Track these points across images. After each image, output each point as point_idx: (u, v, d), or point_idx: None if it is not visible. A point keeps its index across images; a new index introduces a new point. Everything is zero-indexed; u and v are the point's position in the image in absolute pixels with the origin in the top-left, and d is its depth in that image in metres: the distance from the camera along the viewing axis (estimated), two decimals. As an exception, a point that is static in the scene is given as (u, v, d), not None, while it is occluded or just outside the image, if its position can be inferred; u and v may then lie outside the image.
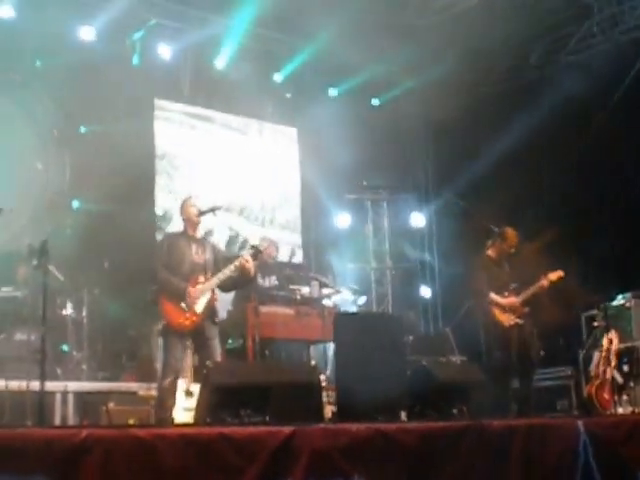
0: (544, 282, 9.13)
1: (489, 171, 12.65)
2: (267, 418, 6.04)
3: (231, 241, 13.11)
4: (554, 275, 9.15)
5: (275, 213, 14.04)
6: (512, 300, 9.09)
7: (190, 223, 8.16)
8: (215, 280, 7.91)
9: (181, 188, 12.87)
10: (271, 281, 10.39)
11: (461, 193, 13.40)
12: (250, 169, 13.94)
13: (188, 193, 12.18)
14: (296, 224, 14.24)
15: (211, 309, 7.94)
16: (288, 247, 13.75)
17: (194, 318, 7.78)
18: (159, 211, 12.64)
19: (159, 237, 11.47)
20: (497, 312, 9.04)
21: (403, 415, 7.12)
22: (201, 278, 7.89)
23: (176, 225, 8.99)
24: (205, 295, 7.86)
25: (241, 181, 13.74)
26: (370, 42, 12.87)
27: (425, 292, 15.04)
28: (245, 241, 12.88)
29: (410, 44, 12.93)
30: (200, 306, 7.80)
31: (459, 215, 13.37)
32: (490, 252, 9.34)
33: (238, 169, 13.77)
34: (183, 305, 7.76)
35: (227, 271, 7.92)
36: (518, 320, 9.03)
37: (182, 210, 8.29)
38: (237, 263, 7.89)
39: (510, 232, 9.32)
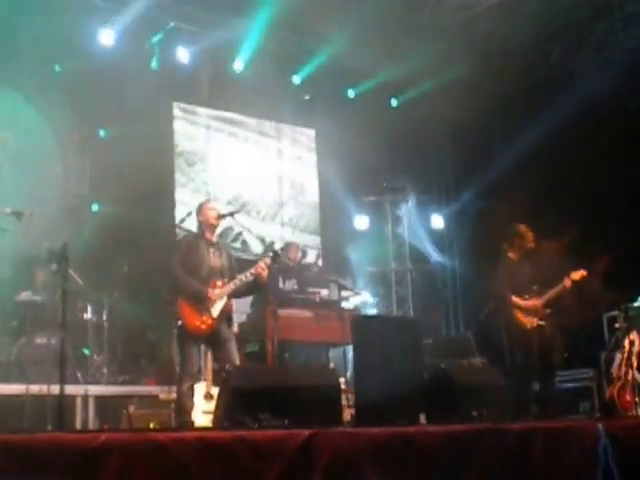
0: (567, 282, 9.03)
1: (509, 171, 12.58)
2: (286, 421, 6.03)
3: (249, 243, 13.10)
4: (577, 275, 9.05)
5: (293, 215, 14.03)
6: (534, 302, 9.01)
7: (208, 226, 8.12)
8: (232, 285, 7.88)
9: (199, 190, 12.90)
10: (292, 284, 10.37)
11: (481, 194, 13.34)
12: (268, 171, 13.95)
13: (206, 195, 12.28)
14: (315, 226, 14.23)
15: (227, 313, 7.92)
16: (308, 250, 13.73)
17: (210, 322, 7.75)
18: (178, 214, 12.64)
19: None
20: (518, 314, 8.96)
21: (422, 418, 7.08)
22: (219, 282, 7.87)
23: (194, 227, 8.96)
24: (222, 299, 7.84)
25: (259, 183, 13.75)
26: (388, 43, 12.86)
27: (445, 294, 14.98)
28: (271, 243, 12.88)
29: (428, 44, 12.88)
30: (216, 310, 7.78)
31: (479, 216, 13.31)
32: (511, 254, 9.26)
33: (256, 171, 13.78)
34: (200, 309, 7.75)
35: (243, 277, 7.90)
36: (540, 322, 8.95)
37: (200, 213, 8.24)
38: (253, 270, 7.87)
39: (523, 228, 9.24)
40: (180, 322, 7.86)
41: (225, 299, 7.83)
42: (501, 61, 13.29)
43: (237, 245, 12.60)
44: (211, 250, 8.01)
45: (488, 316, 10.50)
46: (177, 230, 12.43)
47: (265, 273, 7.86)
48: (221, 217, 8.19)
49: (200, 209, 8.29)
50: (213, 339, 7.88)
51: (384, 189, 14.17)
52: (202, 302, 7.75)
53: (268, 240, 13.12)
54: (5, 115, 11.70)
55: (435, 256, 14.74)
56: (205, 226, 8.13)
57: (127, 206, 11.33)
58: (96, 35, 11.70)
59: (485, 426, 6.02)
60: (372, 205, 14.23)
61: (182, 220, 12.57)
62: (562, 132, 12.12)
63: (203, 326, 7.73)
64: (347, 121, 13.10)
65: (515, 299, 8.98)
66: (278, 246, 11.92)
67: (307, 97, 14.04)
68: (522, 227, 9.28)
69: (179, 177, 12.94)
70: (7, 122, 11.70)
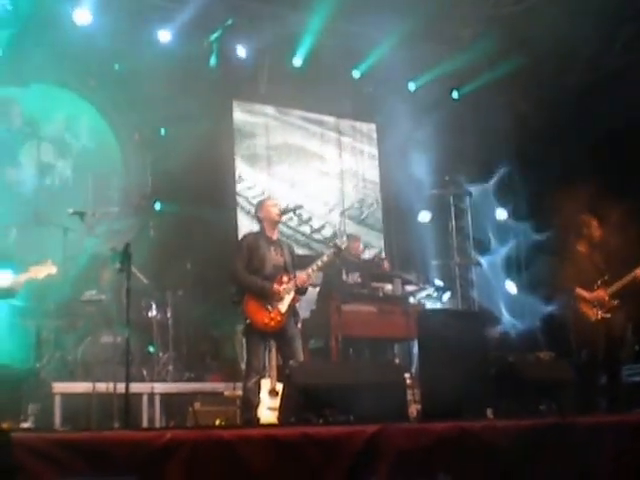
0: (637, 272, 8.81)
1: (574, 161, 12.36)
2: (351, 417, 5.98)
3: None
4: None
5: (356, 210, 13.97)
6: (599, 294, 8.80)
7: (269, 223, 8.11)
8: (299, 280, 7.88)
9: (261, 187, 12.92)
10: (354, 278, 10.31)
11: (546, 185, 13.11)
12: (330, 166, 13.91)
13: (267, 193, 12.29)
14: (377, 220, 14.16)
15: (293, 309, 7.90)
16: (371, 244, 13.66)
17: (278, 318, 7.75)
18: (239, 211, 12.67)
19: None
20: (584, 307, 8.79)
21: (489, 413, 6.98)
22: (285, 278, 7.86)
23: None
24: (289, 295, 7.83)
25: (321, 179, 13.72)
26: (449, 33, 12.71)
27: (511, 287, 14.78)
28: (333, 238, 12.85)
29: (491, 34, 12.69)
30: (284, 306, 7.78)
31: (544, 207, 13.09)
32: (579, 246, 9.09)
33: (317, 167, 13.76)
34: (268, 306, 7.74)
35: (310, 271, 7.90)
36: (606, 315, 8.76)
37: (261, 210, 8.23)
38: (319, 263, 7.86)
39: (591, 218, 9.07)
40: (248, 321, 7.86)
41: (292, 294, 7.82)
42: (565, 50, 13.01)
43: (306, 229, 12.54)
44: (272, 248, 8.01)
45: (555, 309, 10.35)
46: (238, 226, 12.43)
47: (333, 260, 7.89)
48: (283, 213, 8.17)
49: (261, 206, 8.28)
50: (280, 335, 7.88)
51: (447, 182, 14.02)
52: (269, 299, 7.75)
53: (330, 235, 13.09)
54: (66, 116, 11.85)
55: (499, 249, 14.55)
56: (266, 223, 8.13)
57: (189, 204, 11.39)
58: (155, 34, 11.77)
59: (553, 420, 5.92)
60: (435, 198, 14.09)
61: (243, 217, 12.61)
62: (628, 120, 11.87)
63: (272, 323, 7.74)
64: (408, 114, 12.99)
65: (580, 291, 8.81)
66: (340, 241, 11.86)
67: (368, 91, 13.95)
68: (589, 218, 9.11)
69: (240, 174, 12.95)
70: (68, 123, 11.85)
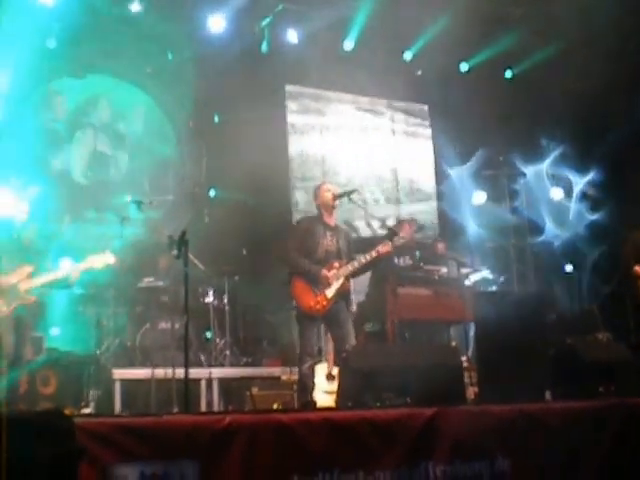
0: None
1: (631, 141, 12.17)
2: (408, 400, 5.99)
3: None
4: None
5: (409, 192, 13.93)
6: (657, 273, 8.70)
7: (326, 208, 8.14)
8: (349, 267, 7.89)
9: (315, 172, 12.93)
10: (405, 261, 10.28)
11: (601, 164, 12.95)
12: (383, 149, 13.88)
13: (322, 177, 12.30)
14: (431, 202, 14.11)
15: (342, 295, 7.91)
16: (425, 226, 13.60)
17: (324, 302, 7.77)
18: (294, 197, 12.71)
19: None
20: (640, 285, 8.68)
21: (547, 395, 6.94)
22: (336, 264, 7.88)
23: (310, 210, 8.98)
24: (338, 281, 7.83)
25: (374, 162, 13.70)
26: (501, 12, 12.56)
27: (568, 268, 14.62)
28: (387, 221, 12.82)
29: (544, 11, 12.51)
30: (331, 291, 7.79)
31: (601, 186, 12.94)
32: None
33: (371, 149, 13.74)
34: (315, 289, 7.77)
35: (363, 259, 7.90)
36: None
37: (317, 195, 8.27)
38: (374, 253, 7.85)
39: None
40: (294, 302, 7.92)
41: (342, 280, 7.83)
42: (622, 27, 12.78)
43: (361, 213, 12.57)
44: (328, 233, 8.03)
45: (614, 289, 10.23)
46: (293, 212, 12.47)
47: (388, 252, 7.87)
48: (337, 198, 8.18)
49: (317, 192, 8.32)
50: (330, 319, 7.90)
51: (501, 163, 13.90)
52: (316, 283, 7.78)
53: (384, 218, 13.06)
54: (121, 106, 11.97)
55: (555, 230, 14.41)
56: (323, 208, 8.16)
57: (244, 190, 11.45)
58: (206, 22, 11.83)
59: (613, 402, 5.88)
60: (489, 179, 13.98)
61: (296, 203, 12.66)
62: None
63: (318, 306, 7.76)
64: (461, 95, 12.90)
65: (638, 269, 8.69)
66: (394, 223, 11.84)
67: (419, 73, 13.88)
68: None
69: (293, 158, 12.98)
70: (123, 112, 11.98)
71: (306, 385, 7.77)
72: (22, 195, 7.91)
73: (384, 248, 7.87)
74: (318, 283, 7.79)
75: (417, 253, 10.42)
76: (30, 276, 7.54)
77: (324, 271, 7.79)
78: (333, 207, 8.16)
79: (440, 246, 11.10)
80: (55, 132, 11.51)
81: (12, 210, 7.70)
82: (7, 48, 10.14)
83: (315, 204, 8.31)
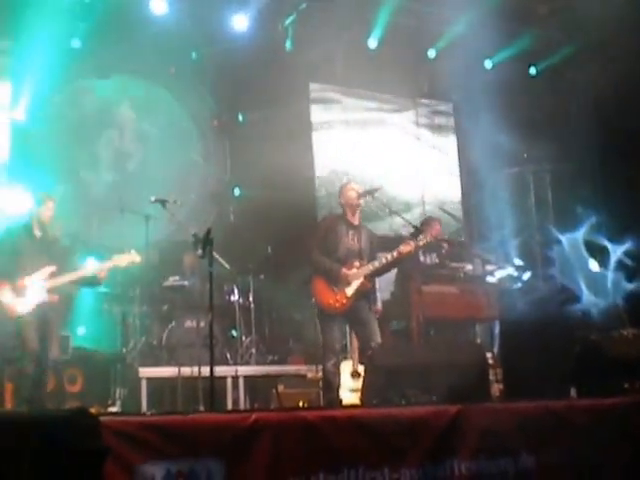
0: None
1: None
2: (433, 398, 5.99)
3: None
4: None
5: (434, 190, 13.89)
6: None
7: (350, 207, 8.15)
8: (370, 267, 7.89)
9: (339, 171, 12.92)
10: (432, 259, 10.26)
11: (626, 161, 12.85)
12: (407, 147, 13.86)
13: (346, 175, 12.29)
14: (456, 200, 14.06)
15: (363, 293, 7.91)
16: (450, 224, 13.57)
17: (343, 301, 7.79)
18: (319, 194, 12.71)
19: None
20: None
21: (572, 392, 6.92)
22: (356, 263, 7.89)
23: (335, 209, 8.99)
24: (358, 280, 7.84)
25: (399, 159, 13.67)
26: (525, 8, 12.50)
27: (593, 265, 14.53)
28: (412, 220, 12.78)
29: (568, 8, 12.45)
30: (351, 290, 7.81)
31: (624, 184, 12.84)
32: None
33: (395, 148, 13.71)
34: (334, 287, 7.78)
35: (384, 259, 7.90)
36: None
37: (341, 194, 8.30)
38: (395, 253, 7.85)
39: None
40: (314, 300, 7.94)
41: (362, 279, 7.82)
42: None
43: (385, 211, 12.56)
44: (350, 232, 8.05)
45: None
46: (318, 210, 12.47)
47: (410, 251, 7.86)
48: (361, 196, 8.18)
49: (340, 191, 8.36)
50: (351, 318, 7.93)
51: (525, 160, 13.84)
52: (336, 281, 7.80)
53: (409, 216, 13.02)
54: (145, 105, 12.02)
55: (581, 227, 14.31)
56: (347, 207, 8.18)
57: (268, 189, 11.46)
58: (230, 20, 11.83)
59: (638, 399, 5.85)
60: (514, 176, 13.91)
61: (321, 199, 12.65)
62: None
63: (337, 304, 7.79)
64: (485, 92, 12.84)
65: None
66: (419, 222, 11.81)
67: (443, 70, 13.82)
68: None
69: (318, 157, 12.98)
70: (147, 112, 12.03)
71: (331, 383, 7.79)
72: (48, 194, 7.95)
73: (406, 248, 7.85)
74: (338, 281, 7.81)
75: (444, 246, 10.34)
76: (54, 275, 7.58)
77: (344, 269, 7.81)
78: (357, 206, 8.17)
79: (464, 243, 11.05)
80: (81, 131, 11.57)
81: (38, 209, 7.75)
82: (33, 49, 10.23)
83: (339, 203, 8.34)
